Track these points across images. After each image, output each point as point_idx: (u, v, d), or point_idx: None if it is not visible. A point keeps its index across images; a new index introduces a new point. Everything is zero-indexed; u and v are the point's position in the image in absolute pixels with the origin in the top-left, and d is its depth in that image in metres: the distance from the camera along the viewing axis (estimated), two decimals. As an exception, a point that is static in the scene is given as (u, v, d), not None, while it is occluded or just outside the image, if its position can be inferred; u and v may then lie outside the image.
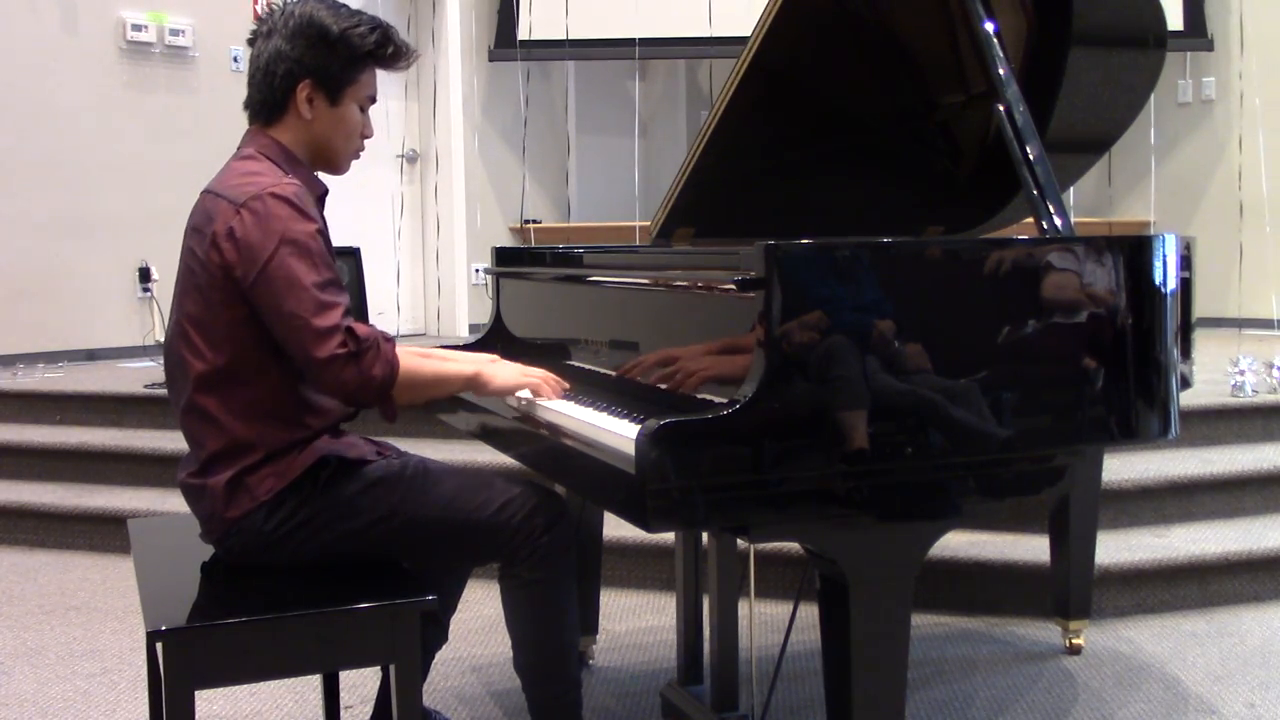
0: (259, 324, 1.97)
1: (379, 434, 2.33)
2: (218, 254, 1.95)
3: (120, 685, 2.94)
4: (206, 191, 2.06)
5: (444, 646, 2.40)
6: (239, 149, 2.14)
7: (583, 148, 7.75)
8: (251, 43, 2.11)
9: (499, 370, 2.14)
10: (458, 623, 2.41)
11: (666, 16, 6.90)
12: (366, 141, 2.19)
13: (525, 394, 2.15)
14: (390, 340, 1.99)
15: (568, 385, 2.16)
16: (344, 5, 2.11)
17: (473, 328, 7.02)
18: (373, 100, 2.16)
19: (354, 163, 2.21)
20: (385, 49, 2.11)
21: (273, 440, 2.00)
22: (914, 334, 1.74)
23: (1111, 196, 7.42)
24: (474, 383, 2.12)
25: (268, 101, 2.09)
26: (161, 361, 5.63)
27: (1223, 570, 3.39)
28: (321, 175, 2.18)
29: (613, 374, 2.19)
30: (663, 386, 1.98)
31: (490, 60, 7.22)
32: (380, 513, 2.03)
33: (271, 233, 1.93)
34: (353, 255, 5.15)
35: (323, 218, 2.06)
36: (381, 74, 2.17)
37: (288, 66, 2.05)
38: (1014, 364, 1.81)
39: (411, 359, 2.03)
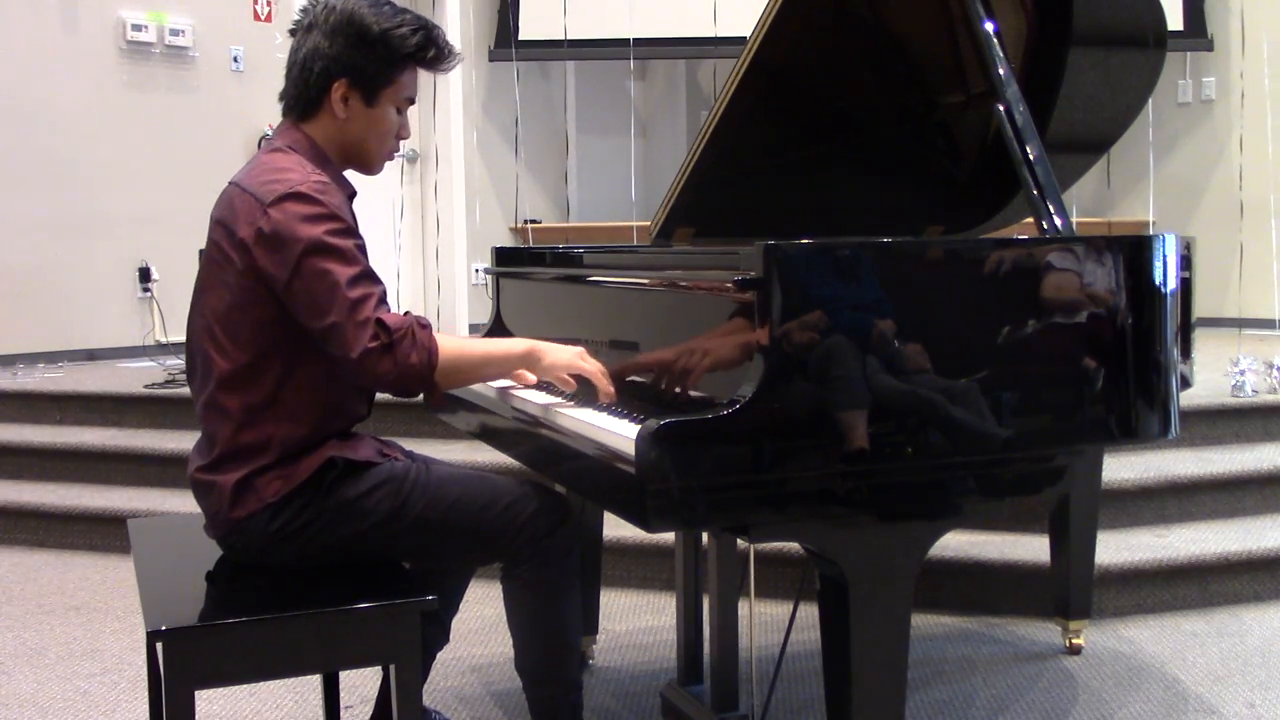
0: (285, 324, 1.96)
1: (383, 434, 2.33)
2: (249, 256, 1.94)
3: (120, 685, 2.94)
4: (233, 184, 2.04)
5: (444, 647, 2.40)
6: (270, 142, 2.11)
7: (582, 148, 7.75)
8: (292, 34, 2.09)
9: (553, 347, 2.09)
10: (458, 623, 2.40)
11: (666, 16, 6.90)
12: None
13: (526, 393, 2.14)
14: (425, 325, 1.96)
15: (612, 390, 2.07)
16: (389, 3, 2.07)
17: (473, 327, 7.02)
18: (411, 102, 2.12)
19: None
20: (427, 51, 2.07)
21: (287, 442, 1.99)
22: (914, 334, 1.74)
23: (1111, 196, 7.42)
24: (527, 359, 2.09)
25: (302, 97, 2.07)
26: (162, 361, 5.67)
27: (1223, 570, 3.39)
28: (353, 176, 2.15)
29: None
30: (678, 390, 1.98)
31: (490, 60, 7.22)
32: (384, 514, 2.02)
33: (299, 233, 1.91)
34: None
35: (352, 215, 2.04)
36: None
37: (324, 64, 2.03)
38: (1014, 364, 1.81)
39: (451, 341, 2.00)
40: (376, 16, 2.03)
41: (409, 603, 1.87)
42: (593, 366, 2.08)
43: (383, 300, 1.94)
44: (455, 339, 2.03)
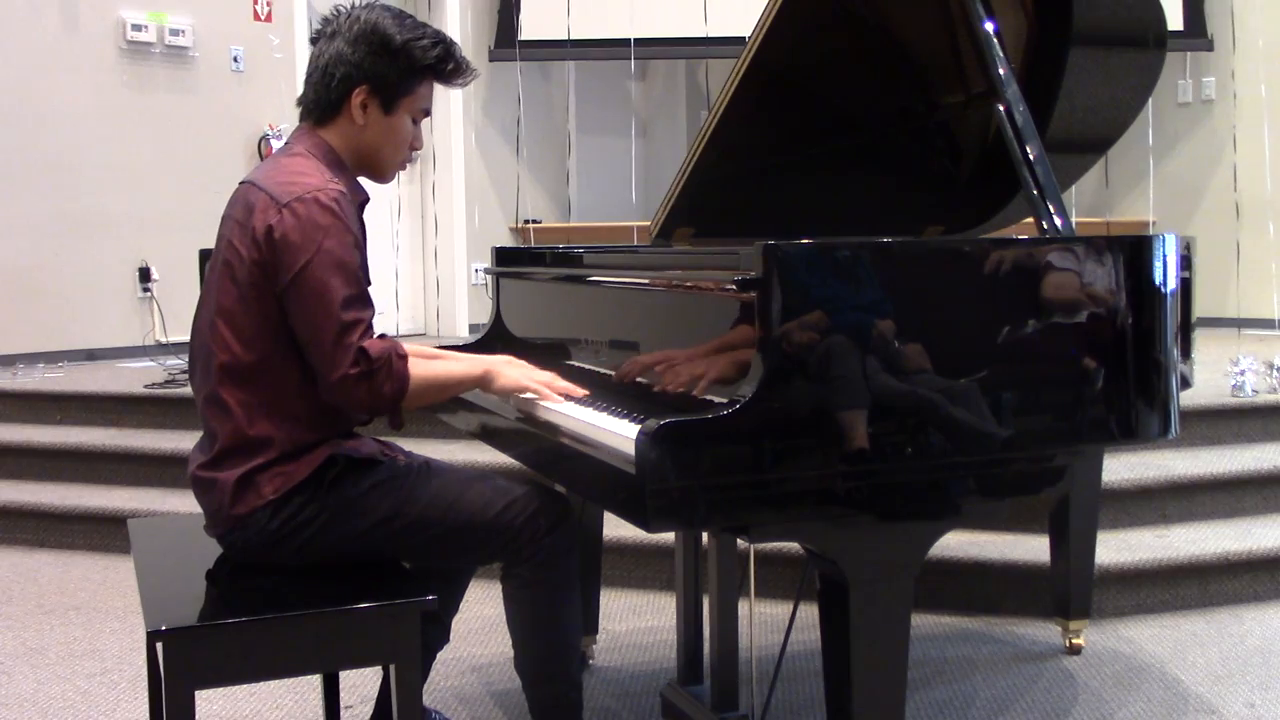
0: (289, 325, 1.98)
1: (385, 434, 2.33)
2: (257, 251, 1.96)
3: (120, 685, 2.94)
4: (248, 183, 2.06)
5: (444, 647, 2.40)
6: (287, 145, 2.14)
7: (583, 148, 7.76)
8: (314, 41, 2.13)
9: (505, 369, 2.13)
10: (457, 623, 2.41)
11: (666, 17, 6.90)
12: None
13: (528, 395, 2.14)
14: (403, 356, 1.99)
15: (583, 392, 2.09)
16: (410, 16, 2.12)
17: (473, 327, 7.02)
18: (426, 113, 2.16)
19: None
20: (446, 64, 2.12)
21: (288, 440, 2.00)
22: (914, 334, 1.74)
23: (1110, 196, 7.42)
24: (481, 382, 2.13)
25: (322, 102, 2.10)
26: (162, 361, 5.67)
27: (1223, 570, 3.39)
28: (364, 182, 2.17)
29: (613, 374, 2.19)
30: (671, 389, 1.98)
31: (490, 60, 7.22)
32: (384, 513, 2.03)
33: (310, 240, 1.93)
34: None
35: (362, 225, 2.07)
36: None
37: (346, 70, 2.06)
38: (1014, 364, 1.82)
39: (420, 369, 2.02)
40: (399, 28, 2.07)
41: (409, 603, 1.87)
42: (540, 383, 2.08)
43: (370, 328, 1.97)
44: (421, 364, 2.04)
